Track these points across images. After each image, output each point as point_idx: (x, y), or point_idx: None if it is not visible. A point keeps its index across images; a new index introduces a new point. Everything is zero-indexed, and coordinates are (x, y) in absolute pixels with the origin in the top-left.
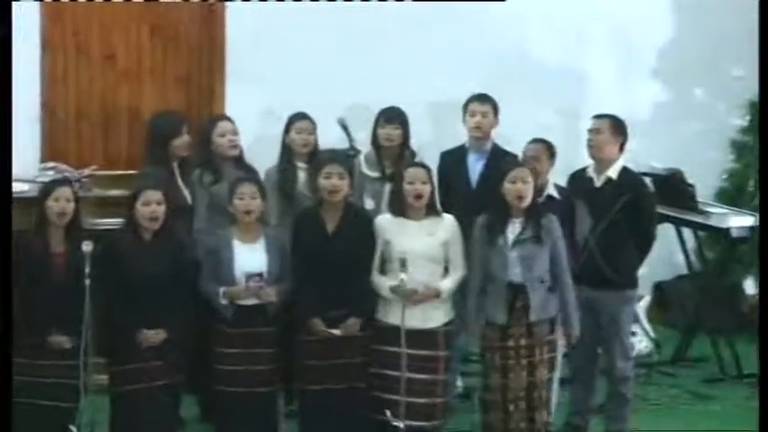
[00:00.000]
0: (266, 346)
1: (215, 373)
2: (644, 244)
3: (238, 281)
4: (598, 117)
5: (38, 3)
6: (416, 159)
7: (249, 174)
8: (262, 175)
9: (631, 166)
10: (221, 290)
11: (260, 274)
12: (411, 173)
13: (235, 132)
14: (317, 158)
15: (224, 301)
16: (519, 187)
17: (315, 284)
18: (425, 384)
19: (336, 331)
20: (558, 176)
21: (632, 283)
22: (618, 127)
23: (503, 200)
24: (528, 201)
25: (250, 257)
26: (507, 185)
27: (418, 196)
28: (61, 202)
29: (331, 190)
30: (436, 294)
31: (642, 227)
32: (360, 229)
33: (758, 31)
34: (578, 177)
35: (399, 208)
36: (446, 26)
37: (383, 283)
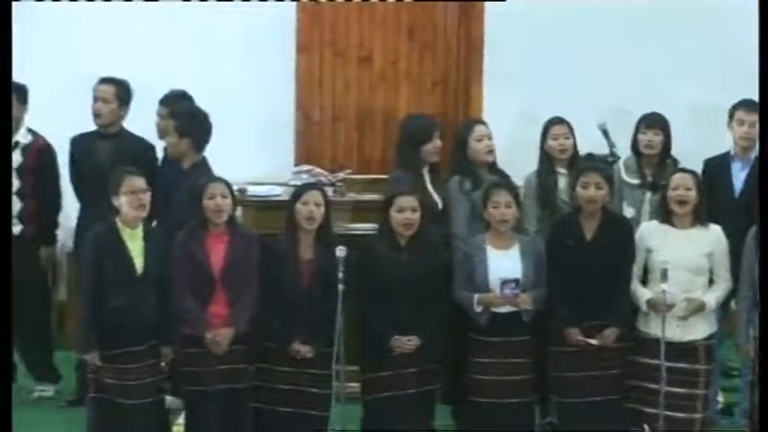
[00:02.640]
0: (521, 356)
1: (468, 382)
2: None
3: (493, 288)
4: None
5: (295, 3)
6: (678, 166)
7: (503, 179)
8: (519, 181)
9: None
10: (475, 297)
11: (515, 281)
12: (676, 179)
13: (491, 137)
14: (576, 166)
15: (478, 309)
16: None
17: (571, 293)
18: (684, 399)
19: (594, 341)
20: None
21: None
22: None
23: None
24: None
25: (504, 264)
26: None
27: (681, 203)
28: (310, 206)
29: (588, 200)
30: (701, 308)
31: None
32: (619, 236)
33: (758, 32)
34: None
35: (664, 215)
36: (710, 25)
37: (643, 294)
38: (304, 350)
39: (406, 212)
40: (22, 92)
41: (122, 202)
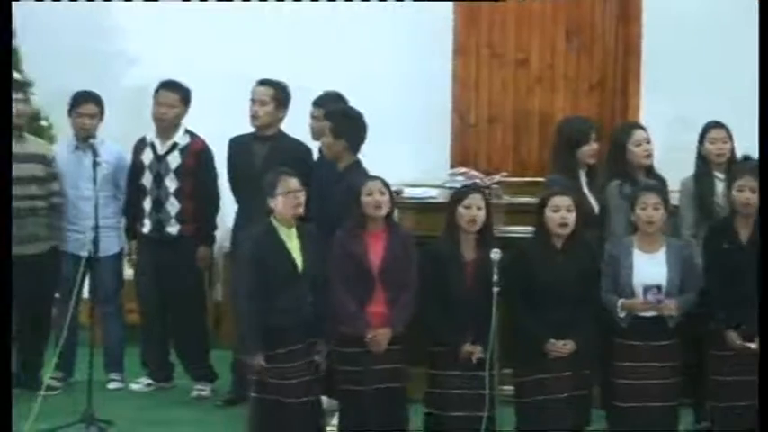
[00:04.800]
0: (665, 360)
1: (612, 386)
2: None
3: (636, 292)
4: None
5: (453, 3)
6: None
7: (659, 184)
8: (675, 186)
9: None
10: (619, 301)
11: (658, 287)
12: None
13: (649, 141)
14: (732, 170)
15: (622, 313)
16: None
17: (728, 296)
18: None
19: (753, 345)
20: None
21: None
22: None
23: None
24: None
25: (650, 268)
26: None
27: None
28: (472, 210)
29: (743, 204)
30: None
31: None
32: None
33: (758, 31)
34: None
35: None
36: None
37: None
38: (477, 351)
39: (561, 212)
40: (186, 93)
41: (278, 202)
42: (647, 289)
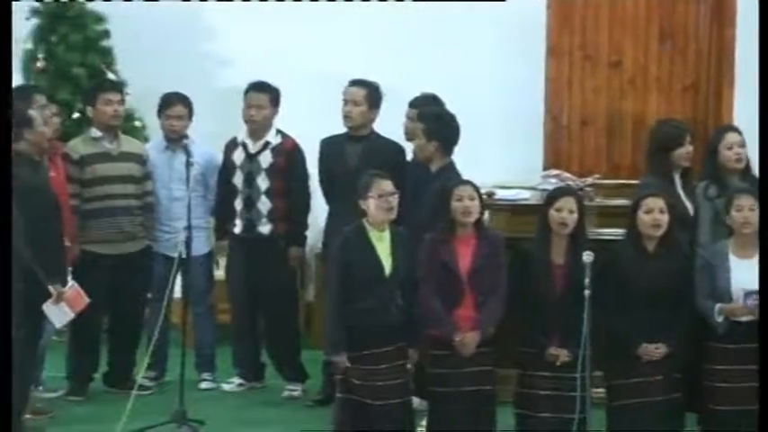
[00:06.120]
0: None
1: (707, 390)
2: None
3: (735, 297)
4: None
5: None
6: None
7: (753, 187)
8: None
9: None
10: (717, 306)
11: (757, 292)
12: None
13: (742, 144)
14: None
15: (719, 318)
16: None
17: None
18: None
19: None
20: None
21: None
22: None
23: None
24: None
25: (747, 273)
26: None
27: None
28: (563, 213)
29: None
30: None
31: None
32: None
33: (758, 32)
34: None
35: None
36: None
37: None
38: (562, 355)
39: (654, 213)
40: (275, 94)
41: (371, 204)
42: (747, 294)
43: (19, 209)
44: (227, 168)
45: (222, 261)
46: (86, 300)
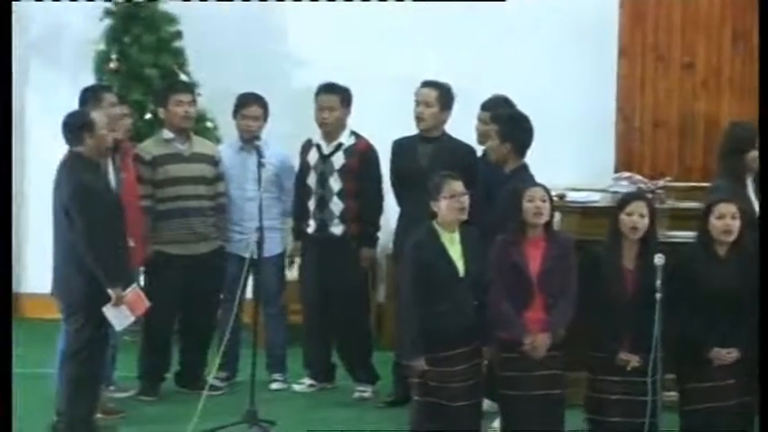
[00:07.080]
0: None
1: None
2: None
3: None
4: None
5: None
6: None
7: None
8: None
9: None
10: None
11: None
12: None
13: None
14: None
15: None
16: None
17: None
18: None
19: None
20: None
21: None
22: None
23: None
24: None
25: None
26: None
27: None
28: (634, 217)
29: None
30: None
31: None
32: None
33: (758, 31)
34: None
35: None
36: None
37: None
38: (633, 360)
39: (725, 219)
40: (345, 94)
41: (442, 205)
42: None
43: (80, 212)
44: (302, 169)
45: (297, 261)
46: (147, 303)
